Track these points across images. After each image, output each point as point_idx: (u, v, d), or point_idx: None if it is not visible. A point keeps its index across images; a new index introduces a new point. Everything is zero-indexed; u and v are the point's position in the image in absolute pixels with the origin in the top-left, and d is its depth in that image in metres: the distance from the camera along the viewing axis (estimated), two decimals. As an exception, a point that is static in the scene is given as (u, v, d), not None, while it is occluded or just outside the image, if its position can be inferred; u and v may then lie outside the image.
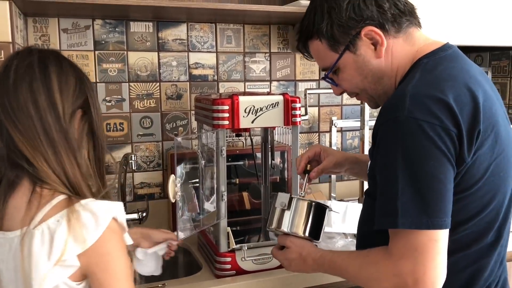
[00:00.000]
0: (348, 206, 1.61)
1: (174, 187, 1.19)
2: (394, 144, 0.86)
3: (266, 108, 1.35)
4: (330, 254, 1.07)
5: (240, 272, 1.39)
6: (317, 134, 2.06)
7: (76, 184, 0.89)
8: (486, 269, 0.96)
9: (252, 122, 1.35)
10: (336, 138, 1.99)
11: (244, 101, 1.33)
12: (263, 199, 1.67)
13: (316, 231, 1.17)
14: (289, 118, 1.38)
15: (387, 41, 0.97)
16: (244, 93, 1.40)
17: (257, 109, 1.34)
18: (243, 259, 1.36)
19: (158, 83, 1.79)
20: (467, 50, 2.10)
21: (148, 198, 1.81)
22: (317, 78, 2.01)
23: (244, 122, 1.34)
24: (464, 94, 0.87)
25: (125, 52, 1.74)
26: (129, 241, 0.94)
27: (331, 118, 1.97)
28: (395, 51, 0.98)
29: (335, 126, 1.96)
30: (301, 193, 1.27)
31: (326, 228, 1.27)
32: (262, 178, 1.66)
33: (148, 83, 1.78)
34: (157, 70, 1.78)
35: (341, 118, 2.07)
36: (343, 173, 1.35)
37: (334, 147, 1.98)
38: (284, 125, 1.38)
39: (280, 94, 1.38)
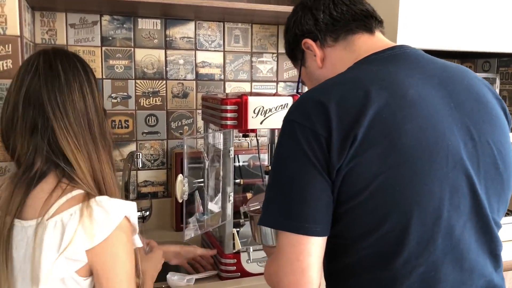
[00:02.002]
0: None
1: (182, 187, 1.17)
2: (277, 143, 0.87)
3: (275, 109, 1.34)
4: None
5: (244, 274, 1.37)
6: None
7: (107, 184, 0.93)
8: None
9: (261, 123, 1.33)
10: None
11: (253, 102, 1.32)
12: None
13: (269, 237, 1.13)
14: (298, 120, 1.36)
15: (323, 51, 0.99)
16: (252, 94, 1.39)
17: (266, 110, 1.33)
18: (249, 261, 1.35)
19: (164, 81, 1.78)
20: (475, 56, 2.09)
21: (152, 197, 1.79)
22: (324, 80, 2.00)
23: (253, 123, 1.32)
24: (355, 97, 0.81)
25: (132, 48, 1.72)
26: (139, 243, 0.95)
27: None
28: (334, 59, 0.98)
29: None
30: None
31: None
32: (268, 179, 1.64)
33: (154, 81, 1.76)
34: (164, 67, 1.77)
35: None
36: None
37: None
38: (293, 126, 1.36)
39: (289, 95, 1.37)
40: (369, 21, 0.97)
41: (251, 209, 1.19)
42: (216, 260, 1.41)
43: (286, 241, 0.82)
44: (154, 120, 1.78)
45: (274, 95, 1.44)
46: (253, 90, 1.90)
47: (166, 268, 1.59)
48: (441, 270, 0.84)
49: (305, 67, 1.05)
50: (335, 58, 0.98)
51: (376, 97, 0.81)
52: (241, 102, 1.31)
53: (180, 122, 1.82)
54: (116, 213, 0.86)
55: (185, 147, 1.21)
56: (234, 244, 1.37)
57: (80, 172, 0.90)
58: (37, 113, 0.91)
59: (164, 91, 1.78)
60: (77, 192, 0.88)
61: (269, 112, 1.33)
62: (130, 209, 0.89)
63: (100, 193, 0.91)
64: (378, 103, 0.80)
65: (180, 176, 1.18)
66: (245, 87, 1.89)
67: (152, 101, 1.77)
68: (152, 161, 1.80)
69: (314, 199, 0.81)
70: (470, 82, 0.91)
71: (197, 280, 1.35)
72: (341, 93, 0.82)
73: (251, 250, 1.35)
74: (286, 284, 0.82)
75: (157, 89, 1.77)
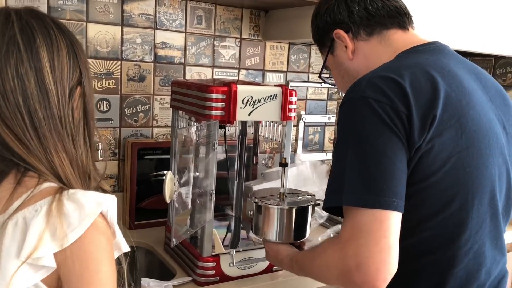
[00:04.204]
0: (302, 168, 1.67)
1: (172, 185, 1.03)
2: (345, 122, 0.86)
3: (264, 100, 1.23)
4: (296, 255, 1.06)
5: (224, 278, 1.26)
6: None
7: (66, 180, 0.74)
8: (456, 280, 0.89)
9: (249, 114, 1.22)
10: (302, 133, 1.91)
11: (242, 91, 1.19)
12: (236, 196, 1.55)
13: (288, 233, 1.14)
14: (286, 112, 1.27)
15: (356, 44, 1.00)
16: (239, 82, 1.27)
17: (255, 100, 1.22)
18: (232, 264, 1.23)
19: (119, 62, 1.58)
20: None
21: (102, 191, 1.59)
22: (285, 69, 1.92)
23: (241, 114, 1.20)
24: (424, 81, 0.84)
25: (84, 23, 1.50)
26: (125, 247, 0.80)
27: (299, 113, 1.89)
28: (368, 52, 1.00)
29: (303, 121, 1.89)
30: (282, 189, 1.20)
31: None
32: (236, 173, 1.54)
33: (108, 61, 1.56)
34: (119, 47, 1.57)
35: (305, 113, 2.00)
36: None
37: (299, 142, 1.91)
38: (281, 119, 1.27)
39: (277, 86, 1.27)
40: (403, 18, 1.00)
41: (263, 200, 1.15)
42: (191, 263, 1.28)
43: (370, 218, 0.79)
44: (106, 106, 1.58)
45: (261, 84, 1.33)
46: (215, 77, 1.76)
47: (133, 272, 1.43)
48: (485, 246, 0.90)
49: (333, 56, 1.06)
50: (369, 51, 1.00)
51: (441, 82, 0.85)
52: (229, 91, 1.18)
53: (135, 109, 1.63)
54: (91, 208, 0.70)
55: (176, 138, 1.06)
56: (213, 246, 1.24)
57: (38, 169, 0.73)
58: None
59: (119, 73, 1.59)
60: (48, 184, 0.72)
61: (258, 103, 1.22)
62: (107, 204, 0.73)
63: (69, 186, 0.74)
64: (444, 88, 0.84)
65: (169, 173, 1.03)
66: (206, 73, 1.75)
67: (105, 84, 1.57)
68: (103, 151, 1.60)
69: (401, 174, 0.81)
70: (492, 79, 1.00)
71: (174, 286, 1.21)
72: (411, 75, 0.84)
73: (234, 252, 1.24)
74: (372, 264, 0.77)
75: (110, 71, 1.57)
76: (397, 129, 0.80)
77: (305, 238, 1.19)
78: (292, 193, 1.26)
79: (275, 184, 1.50)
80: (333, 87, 1.26)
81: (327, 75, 1.14)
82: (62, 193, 0.70)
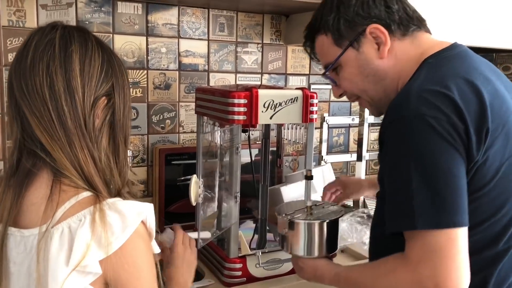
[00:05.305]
0: (324, 169, 1.67)
1: (197, 188, 1.07)
2: (403, 143, 0.83)
3: (285, 103, 1.25)
4: (345, 271, 1.04)
5: (250, 279, 1.29)
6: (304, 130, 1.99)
7: (90, 179, 0.78)
8: (499, 275, 0.91)
9: (271, 118, 1.24)
10: (326, 135, 1.93)
11: (263, 95, 1.22)
12: (261, 199, 1.57)
13: (321, 246, 1.14)
14: (307, 114, 1.29)
15: (391, 42, 0.96)
16: (261, 86, 1.30)
17: (276, 104, 1.24)
18: (258, 265, 1.26)
19: (145, 71, 1.63)
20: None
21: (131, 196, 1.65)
22: (308, 72, 1.94)
23: (263, 117, 1.23)
24: (469, 92, 0.84)
25: (111, 35, 1.56)
26: (156, 249, 0.84)
27: (322, 115, 1.90)
28: (400, 53, 0.97)
29: (327, 123, 1.90)
30: (309, 202, 1.22)
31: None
32: (261, 176, 1.56)
33: (135, 71, 1.61)
34: (145, 56, 1.62)
35: (329, 115, 2.01)
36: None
37: (324, 144, 1.93)
38: (302, 121, 1.29)
39: (298, 89, 1.29)
40: (425, 22, 1.02)
41: (295, 216, 1.15)
42: (219, 265, 1.31)
43: (444, 238, 0.80)
44: (134, 113, 1.63)
45: (282, 88, 1.35)
46: (238, 82, 1.80)
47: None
48: None
49: (359, 52, 0.98)
50: (401, 52, 0.96)
51: (484, 91, 0.84)
52: (250, 95, 1.21)
53: (161, 116, 1.68)
54: (132, 217, 0.75)
55: (201, 143, 1.10)
56: (239, 248, 1.27)
57: (61, 164, 0.77)
58: (13, 99, 0.80)
59: (145, 82, 1.64)
60: (84, 194, 0.77)
61: (279, 106, 1.25)
62: (147, 212, 0.78)
63: (92, 189, 0.78)
64: (487, 97, 0.84)
65: (194, 177, 1.07)
66: (230, 79, 1.79)
67: (132, 93, 1.62)
68: (132, 158, 1.66)
69: (465, 189, 0.82)
70: (504, 75, 0.99)
71: (200, 288, 1.25)
72: (457, 86, 0.83)
73: (260, 253, 1.27)
74: (450, 282, 0.79)
75: (137, 80, 1.62)
76: (457, 144, 0.81)
77: (336, 250, 1.19)
78: (316, 204, 1.26)
79: (299, 185, 1.52)
80: (333, 85, 1.08)
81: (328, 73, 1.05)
82: (102, 202, 0.75)
